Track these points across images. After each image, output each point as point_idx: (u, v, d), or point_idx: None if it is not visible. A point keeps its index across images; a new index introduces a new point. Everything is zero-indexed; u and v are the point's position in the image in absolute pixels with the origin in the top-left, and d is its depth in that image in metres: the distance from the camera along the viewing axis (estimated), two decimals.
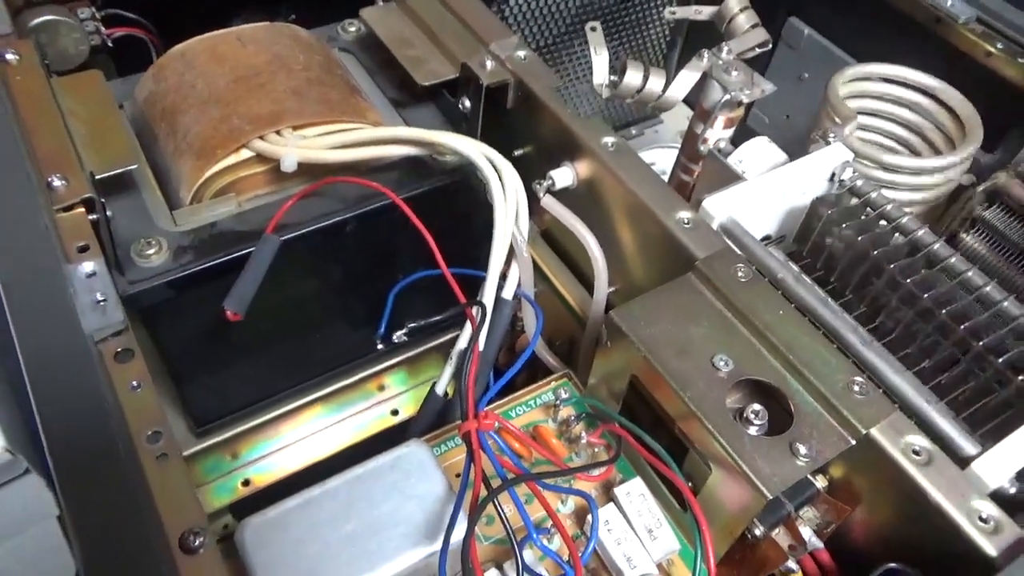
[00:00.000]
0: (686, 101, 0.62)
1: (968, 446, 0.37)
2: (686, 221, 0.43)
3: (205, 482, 0.61)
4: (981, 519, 0.32)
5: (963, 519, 0.32)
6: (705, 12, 0.64)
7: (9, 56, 0.48)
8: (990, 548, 0.31)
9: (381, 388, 0.67)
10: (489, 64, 0.51)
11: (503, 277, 0.46)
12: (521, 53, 0.51)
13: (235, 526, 0.35)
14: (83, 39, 0.55)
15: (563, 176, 0.49)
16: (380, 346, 0.57)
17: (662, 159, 0.80)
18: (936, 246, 0.46)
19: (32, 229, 0.38)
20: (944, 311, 0.43)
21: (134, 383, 0.35)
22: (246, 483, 0.62)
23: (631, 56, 0.79)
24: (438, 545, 0.34)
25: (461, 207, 0.53)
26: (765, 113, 0.79)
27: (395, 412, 0.68)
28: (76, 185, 0.42)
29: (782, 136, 0.73)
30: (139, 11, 0.58)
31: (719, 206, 0.46)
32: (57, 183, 0.41)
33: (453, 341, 0.47)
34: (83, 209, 0.41)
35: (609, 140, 0.47)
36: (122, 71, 0.59)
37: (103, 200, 0.42)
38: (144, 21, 0.59)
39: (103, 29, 0.56)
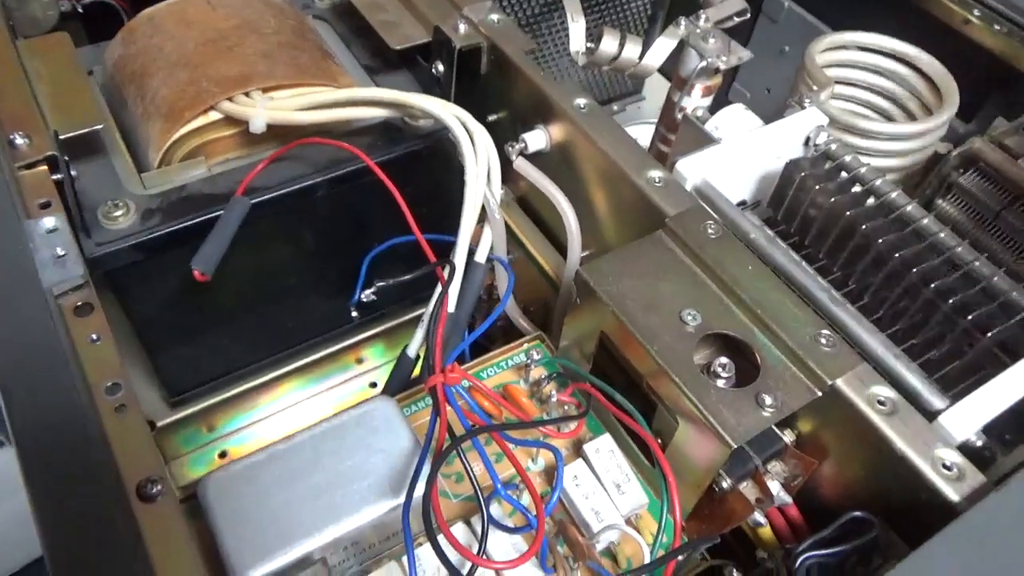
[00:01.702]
0: (666, 75, 0.62)
1: (935, 400, 0.37)
2: (657, 180, 0.43)
3: (181, 454, 0.61)
4: (945, 467, 0.32)
5: (927, 467, 0.32)
6: None
7: None
8: (953, 494, 0.31)
9: (359, 361, 0.67)
10: (462, 28, 0.50)
11: (476, 241, 0.46)
12: (494, 16, 0.51)
13: None
14: (52, 4, 0.54)
15: (536, 139, 0.48)
16: (354, 314, 0.57)
17: (644, 135, 0.79)
18: (909, 208, 0.46)
19: None
20: (914, 271, 0.43)
21: (93, 336, 0.34)
22: (223, 455, 0.62)
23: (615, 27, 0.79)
24: (403, 498, 0.34)
25: (435, 173, 0.53)
26: (746, 87, 0.79)
27: (374, 385, 0.68)
28: (39, 143, 0.41)
29: (763, 109, 0.72)
30: None
31: (692, 168, 0.46)
32: (19, 141, 0.41)
33: None
34: (46, 168, 0.41)
35: (582, 102, 0.46)
36: (93, 38, 0.58)
37: (67, 159, 0.42)
38: None
39: None
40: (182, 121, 0.46)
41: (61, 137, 0.42)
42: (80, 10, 0.57)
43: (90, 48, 0.56)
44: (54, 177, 0.41)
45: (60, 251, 0.36)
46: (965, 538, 0.29)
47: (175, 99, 0.47)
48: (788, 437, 0.37)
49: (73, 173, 0.42)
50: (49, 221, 0.37)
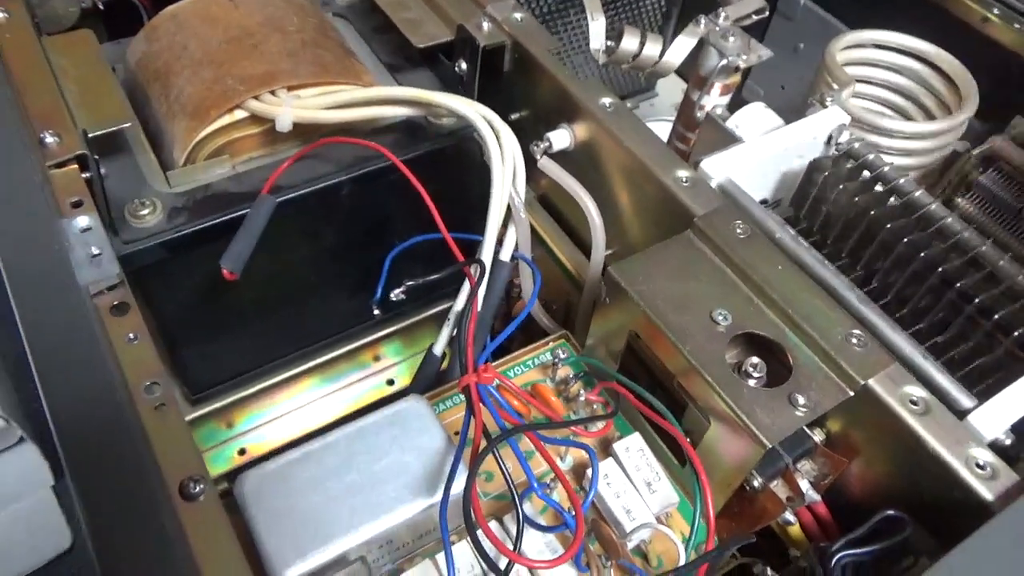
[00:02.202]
0: (679, 73, 0.62)
1: (964, 399, 0.38)
2: (685, 180, 0.43)
3: (201, 451, 0.61)
4: (978, 466, 0.32)
5: (960, 466, 0.32)
6: None
7: None
8: (987, 493, 0.32)
9: (376, 359, 0.67)
10: (486, 26, 0.50)
11: (500, 240, 0.46)
12: (518, 15, 0.51)
13: None
14: (73, 1, 0.54)
15: (560, 138, 0.49)
16: (376, 312, 0.57)
17: (659, 132, 0.79)
18: (932, 207, 0.46)
19: (25, 184, 0.38)
20: (937, 271, 0.44)
21: (131, 335, 0.34)
22: (242, 452, 0.62)
23: (630, 24, 0.79)
24: (438, 496, 0.34)
25: (458, 171, 0.53)
26: (760, 84, 0.79)
27: (391, 382, 0.68)
28: (69, 142, 0.41)
29: (777, 107, 0.72)
30: None
31: (717, 167, 0.46)
32: (50, 140, 0.41)
33: (447, 312, 0.47)
34: (76, 166, 0.41)
35: (607, 101, 0.46)
36: (113, 35, 0.58)
37: (96, 157, 0.42)
38: None
39: None
40: (208, 120, 0.46)
41: (90, 135, 0.42)
42: (100, 7, 0.56)
43: (110, 45, 0.56)
44: (84, 176, 0.41)
45: (95, 250, 0.36)
46: (1001, 538, 0.29)
47: (201, 98, 0.47)
48: (818, 436, 0.37)
49: (103, 172, 0.42)
50: (83, 220, 0.38)
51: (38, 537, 0.62)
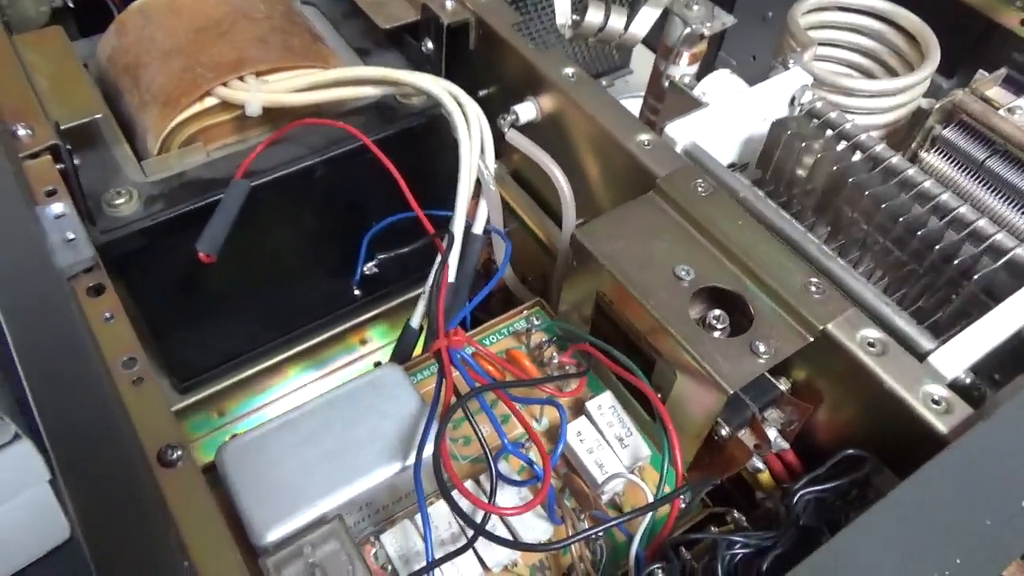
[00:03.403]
0: (651, 47, 0.63)
1: (925, 341, 0.39)
2: (646, 143, 0.44)
3: (192, 439, 0.62)
4: (934, 401, 0.33)
5: (916, 402, 0.33)
6: None
7: None
8: (942, 426, 0.33)
9: (363, 342, 0.68)
10: (449, 4, 0.51)
11: (473, 215, 0.47)
12: None
13: None
14: (44, 0, 0.55)
15: (526, 110, 0.49)
16: (357, 292, 0.58)
17: (633, 108, 0.80)
18: (894, 160, 0.47)
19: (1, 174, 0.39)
20: (900, 220, 0.44)
21: (107, 315, 0.35)
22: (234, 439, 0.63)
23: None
24: (413, 458, 0.35)
25: (430, 149, 0.54)
26: (732, 55, 0.80)
27: (378, 364, 0.69)
28: (41, 133, 0.42)
29: (749, 76, 0.73)
30: None
31: (681, 131, 0.47)
32: (22, 132, 0.41)
33: None
34: (50, 156, 0.42)
35: (569, 71, 0.47)
36: (85, 32, 0.59)
37: (69, 148, 0.42)
38: None
39: None
40: (179, 107, 0.47)
41: (62, 127, 0.43)
42: (71, 5, 0.57)
43: (83, 42, 0.57)
44: (58, 166, 0.42)
45: (70, 235, 0.37)
46: (953, 467, 0.30)
47: (171, 87, 0.48)
48: (784, 385, 0.38)
49: (76, 162, 0.43)
50: (57, 207, 0.38)
51: (37, 530, 0.63)
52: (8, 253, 0.36)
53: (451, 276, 0.44)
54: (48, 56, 0.48)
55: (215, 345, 0.58)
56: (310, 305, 0.61)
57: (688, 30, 0.56)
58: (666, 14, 0.58)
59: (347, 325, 0.65)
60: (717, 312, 0.37)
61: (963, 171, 0.53)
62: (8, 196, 0.37)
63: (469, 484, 0.37)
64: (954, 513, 0.29)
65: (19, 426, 0.61)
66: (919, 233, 0.44)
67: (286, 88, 0.48)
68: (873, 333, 0.35)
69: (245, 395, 0.63)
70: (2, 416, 0.58)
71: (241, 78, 0.48)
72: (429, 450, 0.34)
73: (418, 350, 0.49)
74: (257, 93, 0.47)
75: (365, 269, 0.49)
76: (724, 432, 0.37)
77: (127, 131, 0.50)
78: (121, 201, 0.46)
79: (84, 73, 0.50)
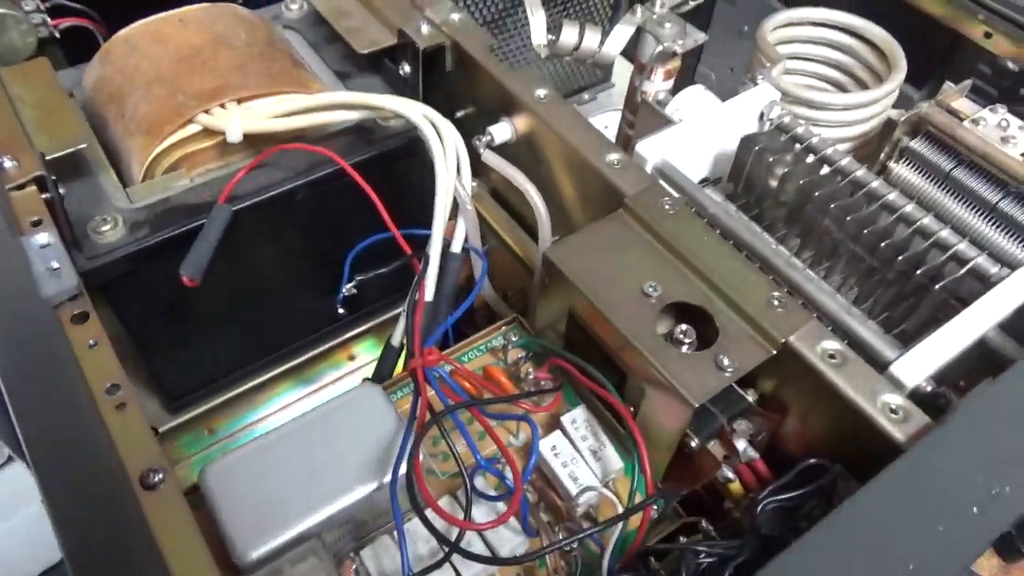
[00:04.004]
0: (631, 60, 0.64)
1: (887, 351, 0.40)
2: (615, 162, 0.45)
3: (184, 458, 0.63)
4: (891, 411, 0.34)
5: (874, 412, 0.34)
6: None
7: None
8: (899, 435, 0.34)
9: (351, 358, 0.69)
10: (425, 29, 0.53)
11: (451, 234, 0.48)
12: (455, 16, 0.53)
13: None
14: (30, 31, 0.56)
15: (501, 131, 0.51)
16: (341, 311, 0.59)
17: (614, 122, 0.82)
18: (859, 172, 0.48)
19: None
20: (866, 231, 0.46)
21: (91, 342, 0.36)
22: None
23: (577, 19, 0.81)
24: (389, 476, 0.36)
25: (410, 170, 0.55)
26: (711, 69, 0.81)
27: (367, 380, 0.70)
28: (27, 165, 0.43)
29: (727, 89, 0.74)
30: (84, 1, 0.59)
31: (652, 149, 0.48)
32: (8, 164, 0.43)
33: None
34: (35, 188, 0.43)
35: (541, 92, 0.49)
36: (72, 61, 0.60)
37: (55, 179, 0.44)
38: (90, 11, 0.60)
39: (49, 20, 0.57)
40: (162, 135, 0.48)
41: (48, 158, 0.44)
42: (57, 35, 0.58)
43: (69, 71, 0.58)
44: (44, 196, 0.43)
45: (55, 264, 0.38)
46: (907, 474, 0.31)
47: (154, 115, 0.49)
48: (751, 396, 0.39)
49: (62, 191, 0.44)
50: (42, 237, 0.39)
51: (31, 551, 0.64)
52: None
53: (429, 295, 0.45)
54: (34, 87, 0.49)
55: (204, 364, 0.59)
56: (297, 324, 0.62)
57: (660, 48, 0.57)
58: (640, 32, 0.59)
59: (335, 342, 0.66)
60: (684, 327, 0.38)
61: (931, 181, 0.54)
62: None
63: (446, 500, 0.38)
64: (908, 519, 0.30)
65: (12, 449, 0.62)
66: (886, 242, 0.45)
67: (267, 114, 0.49)
68: (833, 345, 0.37)
69: (236, 413, 0.64)
70: None
71: (223, 105, 0.49)
72: (405, 468, 0.35)
73: (400, 367, 0.50)
74: (238, 120, 0.48)
75: (345, 291, 0.50)
76: (694, 443, 0.38)
77: (113, 158, 0.51)
78: (107, 228, 0.47)
79: (69, 103, 0.51)
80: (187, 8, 0.55)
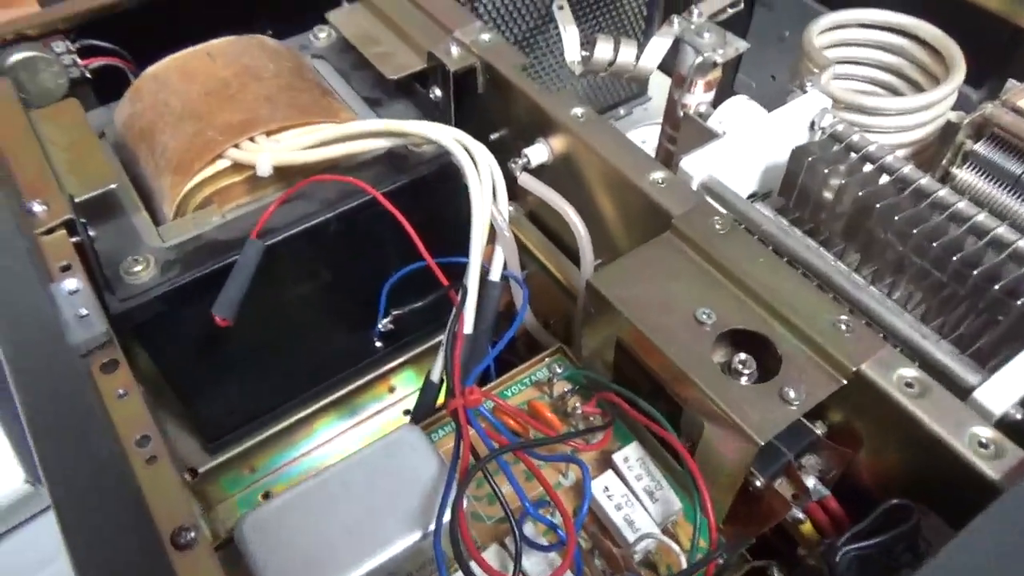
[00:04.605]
0: (667, 72, 0.62)
1: (969, 376, 0.37)
2: (660, 181, 0.43)
3: (225, 497, 0.62)
4: (981, 444, 0.31)
5: (962, 447, 0.31)
6: None
7: None
8: (992, 472, 0.30)
9: (391, 390, 0.68)
10: (455, 51, 0.51)
11: (489, 260, 0.46)
12: (485, 36, 0.52)
13: None
14: (61, 72, 0.56)
15: (538, 153, 0.49)
16: (378, 344, 0.57)
17: (653, 136, 0.79)
18: (923, 181, 0.45)
19: (14, 254, 0.39)
20: (935, 244, 0.42)
21: (120, 391, 0.35)
22: (267, 495, 0.63)
23: (610, 33, 0.79)
24: (433, 525, 0.34)
25: (444, 195, 0.53)
26: (751, 77, 0.79)
27: (407, 412, 0.68)
28: (56, 208, 0.42)
29: (770, 97, 0.72)
30: (114, 40, 0.59)
31: (697, 165, 0.46)
32: (37, 208, 0.42)
33: None
34: (64, 232, 0.42)
35: (579, 111, 0.46)
36: (103, 100, 0.60)
37: (84, 221, 0.43)
38: (119, 50, 0.59)
39: (79, 61, 0.57)
40: (192, 172, 0.47)
41: (77, 200, 0.44)
42: (88, 75, 0.58)
43: (100, 110, 0.58)
44: (73, 240, 0.42)
45: (83, 311, 0.37)
46: (1009, 516, 0.28)
47: (183, 151, 0.48)
48: (819, 429, 0.36)
49: (92, 233, 0.44)
50: (71, 283, 0.38)
51: None
52: (22, 333, 0.36)
53: (468, 327, 0.43)
54: (64, 129, 0.49)
55: (242, 403, 0.58)
56: (334, 358, 0.61)
57: (700, 59, 0.55)
58: (677, 43, 0.57)
59: (373, 374, 0.64)
60: (743, 356, 0.35)
61: (1000, 187, 0.51)
62: (23, 276, 0.38)
63: (494, 549, 0.36)
64: (1014, 569, 0.27)
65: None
66: (957, 256, 0.42)
67: (296, 146, 0.48)
68: (910, 372, 0.33)
69: (276, 450, 0.63)
70: (35, 483, 0.58)
71: (252, 139, 0.48)
72: (448, 517, 0.33)
73: (442, 398, 0.48)
74: (268, 153, 0.47)
75: (381, 326, 0.49)
76: (759, 482, 0.35)
77: (145, 196, 0.51)
78: (139, 268, 0.46)
79: (99, 143, 0.50)
80: (215, 41, 0.55)
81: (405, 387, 0.68)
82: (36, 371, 0.35)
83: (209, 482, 0.60)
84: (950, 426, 0.32)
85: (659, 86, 0.86)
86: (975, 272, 0.41)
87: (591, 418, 0.42)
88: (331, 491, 0.36)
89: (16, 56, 0.54)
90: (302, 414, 0.62)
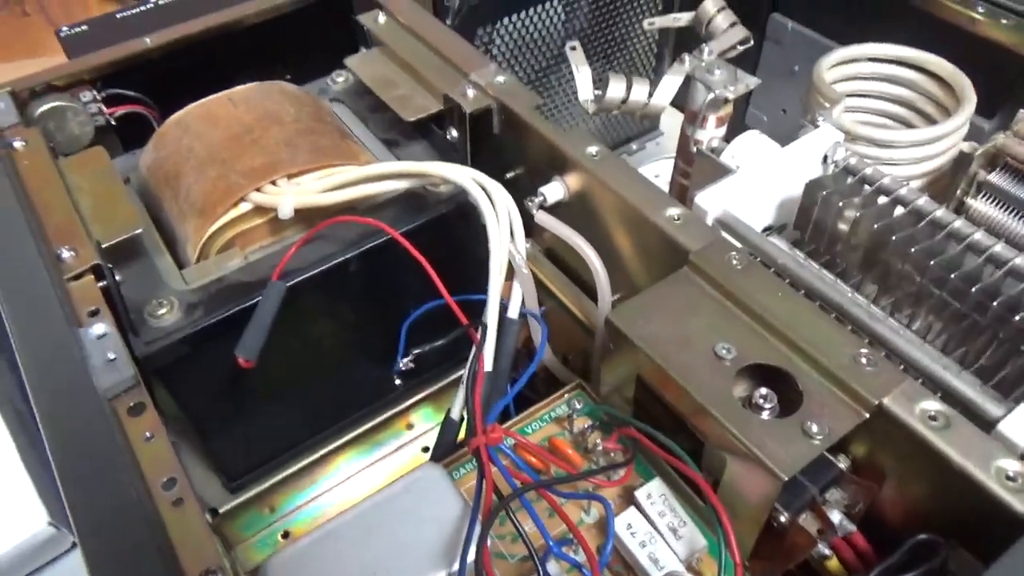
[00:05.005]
0: (678, 106, 0.63)
1: (992, 408, 0.36)
2: (676, 217, 0.43)
3: (245, 538, 0.62)
4: (1008, 478, 0.31)
5: (989, 480, 0.31)
6: (683, 18, 0.64)
7: (17, 144, 0.50)
8: (1020, 506, 0.30)
9: (409, 427, 0.68)
10: (470, 92, 0.52)
11: (507, 297, 0.47)
12: (500, 78, 0.53)
13: None
14: (87, 120, 0.58)
15: (554, 191, 0.49)
16: (398, 381, 0.58)
17: (665, 170, 0.80)
18: (938, 212, 0.45)
19: (44, 299, 0.40)
20: (955, 275, 0.42)
21: (147, 434, 0.35)
22: (286, 535, 0.63)
23: (621, 71, 0.80)
24: (457, 566, 0.34)
25: (462, 233, 0.54)
26: (762, 111, 0.79)
27: (426, 449, 0.68)
28: (84, 254, 0.43)
29: (781, 130, 0.72)
30: (138, 88, 0.61)
31: (712, 200, 0.46)
32: (66, 254, 0.43)
33: None
34: (92, 277, 0.43)
35: (593, 149, 0.47)
36: (128, 147, 0.61)
37: (110, 266, 0.44)
38: (144, 97, 0.61)
39: (105, 109, 0.59)
40: (215, 216, 0.48)
41: (103, 246, 0.45)
42: (113, 123, 0.60)
43: (125, 157, 0.59)
44: (100, 284, 0.43)
45: (111, 355, 0.38)
46: None
47: (207, 195, 0.49)
48: (843, 463, 0.36)
49: (118, 278, 0.44)
50: (98, 328, 0.39)
51: None
52: (52, 378, 0.37)
53: (488, 364, 0.44)
54: (91, 176, 0.50)
55: (263, 442, 0.58)
56: (354, 396, 0.61)
57: (712, 95, 0.56)
58: (689, 80, 0.58)
59: (392, 412, 0.64)
60: (764, 391, 0.35)
61: (1015, 215, 0.51)
62: (52, 321, 0.38)
63: None
64: None
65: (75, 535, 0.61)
66: (977, 286, 0.42)
67: (317, 188, 0.49)
68: (933, 405, 0.33)
69: (295, 489, 0.63)
70: (58, 526, 0.58)
71: (274, 182, 0.49)
72: (472, 556, 0.33)
73: (462, 434, 0.48)
74: (289, 196, 0.48)
75: (402, 365, 0.49)
76: (783, 518, 0.35)
77: (168, 239, 0.52)
78: (163, 311, 0.46)
79: (125, 190, 0.51)
80: (237, 88, 0.56)
81: (423, 423, 0.68)
82: (65, 416, 0.36)
83: (228, 522, 0.60)
84: (976, 459, 0.31)
85: (670, 120, 0.87)
86: (995, 303, 0.41)
87: (612, 454, 0.42)
88: (355, 531, 0.36)
89: (45, 106, 0.56)
90: (320, 452, 0.62)
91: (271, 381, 0.54)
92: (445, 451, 0.46)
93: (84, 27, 0.64)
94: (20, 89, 0.56)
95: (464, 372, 0.45)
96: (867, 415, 0.34)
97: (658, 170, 0.82)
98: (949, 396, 0.38)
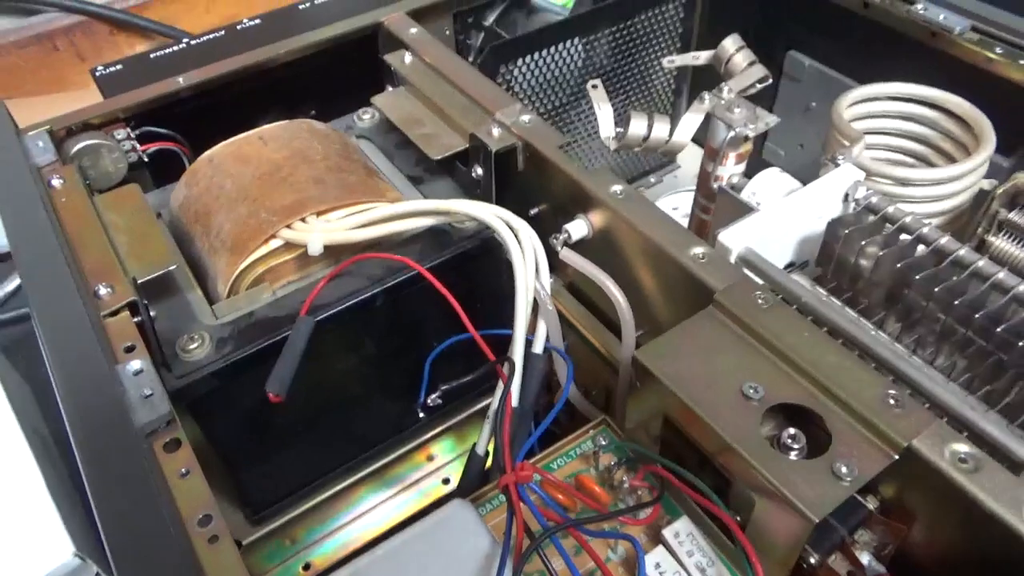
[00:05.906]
0: (698, 142, 0.64)
1: (1021, 450, 0.36)
2: (701, 256, 0.44)
3: (267, 570, 0.62)
4: None
5: (1020, 524, 0.31)
6: (702, 57, 0.65)
7: (55, 182, 0.52)
8: None
9: (430, 458, 0.68)
10: (496, 131, 0.53)
11: (531, 332, 0.47)
12: (525, 118, 0.54)
13: None
14: (121, 158, 0.59)
15: (578, 228, 0.50)
16: (422, 415, 0.58)
17: (684, 203, 0.81)
18: (961, 252, 0.46)
19: (83, 336, 0.41)
20: (979, 314, 0.43)
21: (183, 470, 0.36)
22: (307, 567, 0.63)
23: (641, 108, 0.81)
24: None
25: (486, 269, 0.55)
26: (780, 146, 0.80)
27: (446, 481, 0.68)
28: (121, 291, 0.44)
29: (798, 165, 0.73)
30: (170, 126, 0.63)
31: (735, 238, 0.47)
32: (103, 291, 0.44)
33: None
34: (128, 313, 0.44)
35: (617, 188, 0.48)
36: (159, 182, 0.63)
37: (146, 302, 0.45)
38: (175, 135, 0.63)
39: (138, 146, 0.60)
40: (246, 253, 0.49)
41: (139, 282, 0.46)
42: (146, 160, 0.61)
43: (156, 192, 0.61)
44: (135, 320, 0.44)
45: (147, 391, 0.39)
46: None
47: (238, 232, 0.50)
48: (872, 504, 0.36)
49: (152, 314, 0.45)
50: (135, 364, 0.40)
51: None
52: (90, 415, 0.37)
53: (515, 401, 0.44)
54: (125, 213, 0.51)
55: (287, 475, 0.59)
56: (377, 428, 0.62)
57: (732, 133, 0.56)
58: (709, 118, 0.59)
59: (413, 444, 0.65)
60: (792, 431, 0.36)
61: None
62: (91, 358, 0.39)
63: None
64: None
65: (98, 563, 0.61)
66: (1003, 326, 0.42)
67: (345, 226, 0.50)
68: (963, 447, 0.34)
69: (316, 521, 0.63)
70: (84, 557, 0.59)
71: (303, 219, 0.50)
72: None
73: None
74: (318, 233, 0.49)
75: (428, 400, 0.50)
76: (813, 559, 0.35)
77: (199, 274, 0.53)
78: (195, 346, 0.47)
79: (159, 226, 0.53)
80: (266, 127, 0.58)
81: (444, 455, 0.68)
82: (103, 452, 0.36)
83: (250, 554, 0.60)
84: (1006, 503, 0.32)
85: (688, 154, 0.88)
86: (1021, 343, 0.41)
87: (639, 491, 0.42)
88: (385, 568, 0.37)
89: (81, 144, 0.57)
90: (342, 484, 0.63)
91: (299, 414, 0.54)
92: (471, 486, 0.47)
93: (119, 66, 0.65)
94: (58, 128, 0.57)
95: (486, 404, 0.45)
96: (896, 456, 0.34)
97: (677, 203, 0.82)
98: (975, 436, 0.38)
